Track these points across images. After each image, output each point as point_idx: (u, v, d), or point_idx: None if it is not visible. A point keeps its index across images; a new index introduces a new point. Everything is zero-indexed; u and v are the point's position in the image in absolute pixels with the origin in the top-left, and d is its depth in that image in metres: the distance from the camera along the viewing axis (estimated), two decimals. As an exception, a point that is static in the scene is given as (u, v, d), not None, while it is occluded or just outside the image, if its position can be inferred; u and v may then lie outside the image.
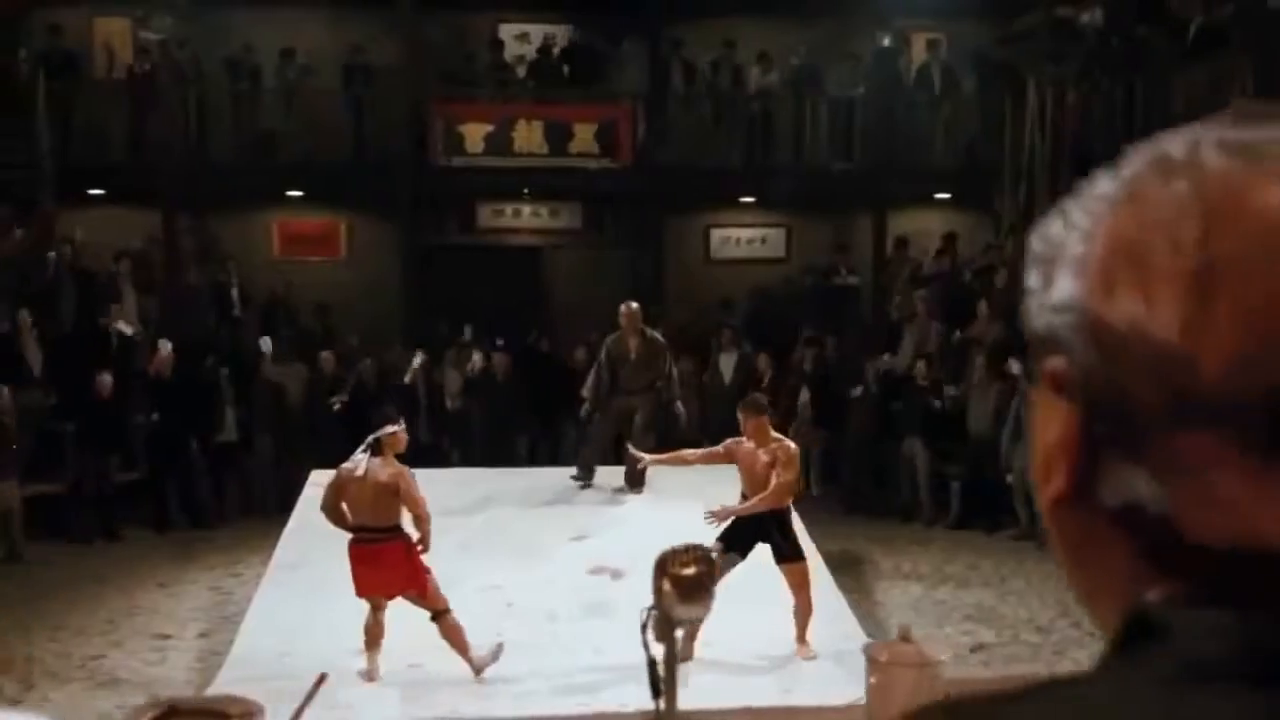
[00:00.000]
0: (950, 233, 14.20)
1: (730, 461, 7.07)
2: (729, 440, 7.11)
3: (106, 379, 10.17)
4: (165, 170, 13.22)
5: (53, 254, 11.95)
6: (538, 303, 15.14)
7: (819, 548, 9.58)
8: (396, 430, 6.51)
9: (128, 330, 11.23)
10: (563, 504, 9.29)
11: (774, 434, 6.96)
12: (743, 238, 15.66)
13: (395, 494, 6.36)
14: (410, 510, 6.46)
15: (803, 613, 6.98)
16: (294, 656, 6.86)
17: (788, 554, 6.92)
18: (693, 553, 2.81)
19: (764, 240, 15.64)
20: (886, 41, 14.41)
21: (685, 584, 2.78)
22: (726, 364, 12.75)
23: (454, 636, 6.54)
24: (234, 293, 13.89)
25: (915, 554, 9.93)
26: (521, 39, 15.32)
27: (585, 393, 9.59)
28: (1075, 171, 13.28)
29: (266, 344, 11.72)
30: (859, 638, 7.52)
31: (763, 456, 6.84)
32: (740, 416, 7.02)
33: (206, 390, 11.01)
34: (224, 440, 11.18)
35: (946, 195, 15.00)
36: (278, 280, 14.26)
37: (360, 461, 6.38)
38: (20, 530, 9.74)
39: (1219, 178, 0.57)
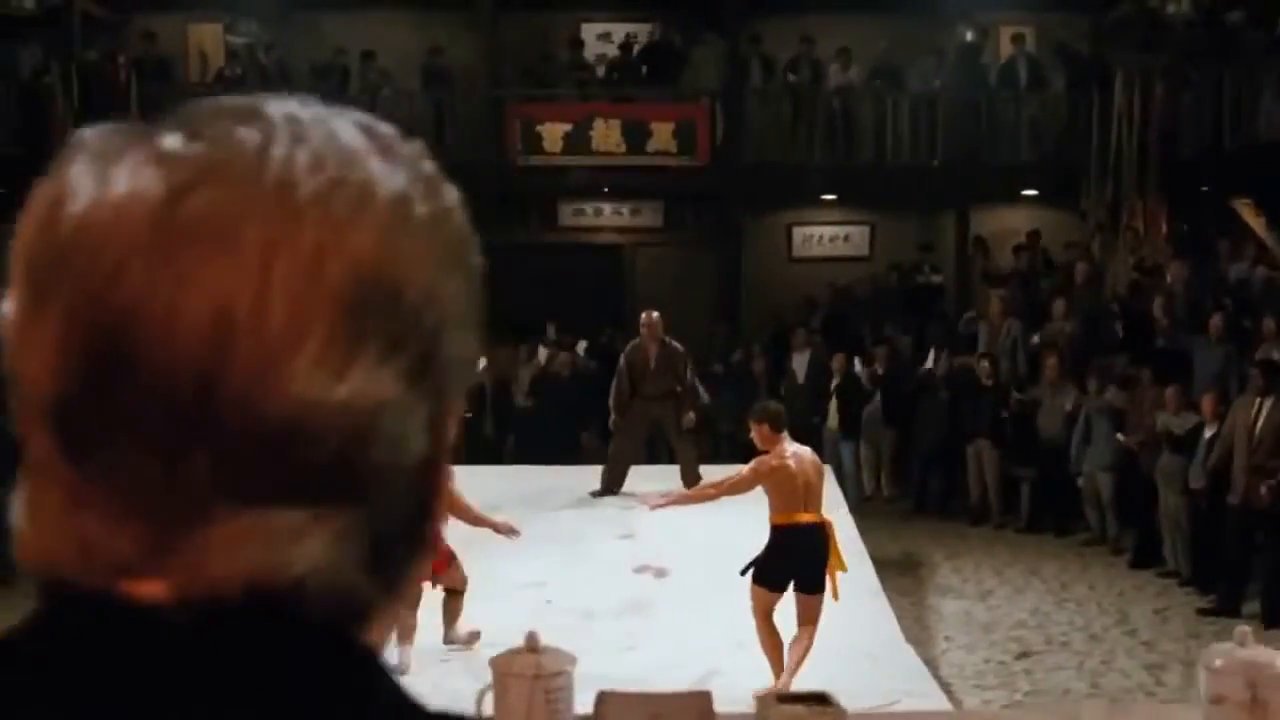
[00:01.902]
0: (1034, 230, 13.91)
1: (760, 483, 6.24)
2: (756, 460, 6.31)
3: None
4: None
5: None
6: (620, 301, 15.18)
7: (880, 550, 9.48)
8: None
9: None
10: (613, 502, 9.32)
11: (788, 442, 6.20)
12: (825, 236, 15.52)
13: None
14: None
15: (801, 653, 6.18)
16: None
17: (809, 585, 6.15)
18: None
19: (847, 238, 15.49)
20: (969, 36, 14.16)
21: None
22: (800, 364, 12.64)
23: (450, 609, 6.92)
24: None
25: (978, 557, 9.75)
26: (604, 38, 15.38)
27: (610, 403, 9.76)
28: (1164, 167, 12.98)
29: None
30: (898, 643, 7.43)
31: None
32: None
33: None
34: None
35: (1033, 192, 14.70)
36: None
37: None
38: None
39: (71, 173, 0.53)
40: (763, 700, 2.73)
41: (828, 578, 6.16)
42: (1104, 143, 13.25)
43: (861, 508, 10.96)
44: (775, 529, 6.10)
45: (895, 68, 14.27)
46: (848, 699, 6.68)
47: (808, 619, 6.16)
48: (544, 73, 14.60)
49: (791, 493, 6.02)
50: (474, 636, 6.99)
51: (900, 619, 7.78)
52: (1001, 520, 10.75)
